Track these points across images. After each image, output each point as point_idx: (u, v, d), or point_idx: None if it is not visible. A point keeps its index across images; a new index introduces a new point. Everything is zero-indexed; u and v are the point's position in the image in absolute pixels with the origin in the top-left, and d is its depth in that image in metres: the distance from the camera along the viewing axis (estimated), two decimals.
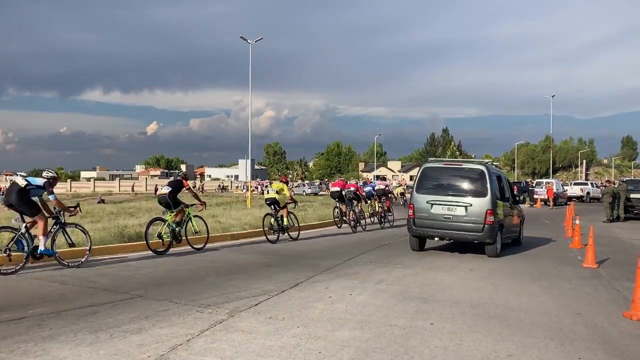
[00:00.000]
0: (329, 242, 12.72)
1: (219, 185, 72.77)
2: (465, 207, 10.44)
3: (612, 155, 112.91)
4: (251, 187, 36.90)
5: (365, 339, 4.84)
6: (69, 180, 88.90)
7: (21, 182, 8.18)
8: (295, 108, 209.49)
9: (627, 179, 30.25)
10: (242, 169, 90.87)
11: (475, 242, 10.62)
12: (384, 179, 24.73)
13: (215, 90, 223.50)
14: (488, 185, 10.47)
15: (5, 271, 7.66)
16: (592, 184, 44.61)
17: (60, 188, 79.50)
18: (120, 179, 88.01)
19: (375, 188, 18.96)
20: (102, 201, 39.84)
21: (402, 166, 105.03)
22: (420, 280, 7.84)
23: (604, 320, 5.75)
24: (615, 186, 21.50)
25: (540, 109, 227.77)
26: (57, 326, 5.08)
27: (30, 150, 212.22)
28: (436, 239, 10.99)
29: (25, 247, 8.04)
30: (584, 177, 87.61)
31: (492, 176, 10.81)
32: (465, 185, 10.71)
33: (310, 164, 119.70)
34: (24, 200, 8.12)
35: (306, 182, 72.44)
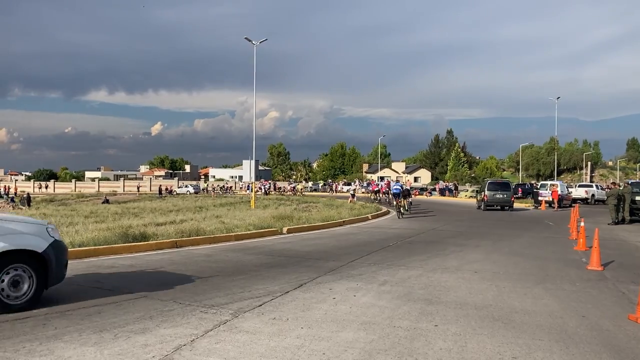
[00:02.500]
0: (332, 243, 12.71)
1: (223, 186, 72.86)
2: (504, 195, 29.51)
3: (617, 157, 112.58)
4: (255, 187, 36.88)
5: (369, 341, 4.84)
6: (73, 180, 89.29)
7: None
8: (300, 109, 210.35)
9: (632, 181, 30.07)
10: (246, 169, 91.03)
11: (507, 207, 29.69)
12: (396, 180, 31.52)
13: (219, 91, 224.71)
14: (511, 188, 31.38)
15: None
16: (597, 186, 44.41)
17: (65, 188, 79.97)
18: (124, 179, 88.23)
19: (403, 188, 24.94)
20: (107, 201, 39.94)
21: (406, 167, 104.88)
22: (424, 281, 7.83)
23: (609, 323, 5.72)
24: (621, 188, 21.39)
25: (545, 110, 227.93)
26: (62, 326, 5.10)
27: (35, 150, 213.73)
28: (495, 206, 29.88)
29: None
30: (588, 179, 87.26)
31: (512, 184, 34.33)
32: (504, 187, 30.57)
33: (314, 165, 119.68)
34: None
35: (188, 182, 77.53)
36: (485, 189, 29.89)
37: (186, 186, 73.93)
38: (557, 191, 32.38)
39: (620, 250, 12.26)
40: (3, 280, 5.50)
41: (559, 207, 31.96)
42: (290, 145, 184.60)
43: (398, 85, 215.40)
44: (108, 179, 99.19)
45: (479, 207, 30.82)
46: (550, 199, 32.45)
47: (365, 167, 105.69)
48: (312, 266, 9.07)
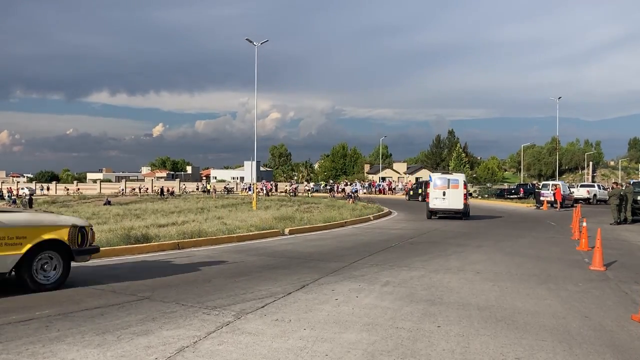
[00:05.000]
0: (334, 244, 12.70)
1: (225, 187, 72.85)
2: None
3: (619, 157, 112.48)
4: (256, 188, 36.89)
5: (372, 342, 4.83)
6: (75, 182, 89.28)
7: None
8: (301, 110, 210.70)
9: (634, 181, 30.01)
10: (248, 170, 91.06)
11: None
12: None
13: (221, 92, 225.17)
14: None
15: None
16: (598, 186, 44.31)
17: (66, 190, 79.89)
18: (126, 181, 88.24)
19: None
20: (109, 203, 39.96)
21: (407, 168, 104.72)
22: (426, 282, 7.82)
23: (612, 323, 5.71)
24: (623, 188, 21.34)
25: (546, 110, 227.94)
26: (65, 328, 5.10)
27: (36, 152, 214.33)
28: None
29: None
30: (590, 179, 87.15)
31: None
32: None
33: (316, 166, 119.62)
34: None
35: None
36: (424, 187, 41.77)
37: (22, 189, 72.07)
38: (561, 190, 32.30)
39: (622, 251, 12.23)
40: None
41: (561, 207, 31.92)
42: (291, 146, 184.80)
43: (399, 86, 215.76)
44: (110, 181, 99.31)
45: (409, 199, 42.54)
46: (553, 199, 32.40)
47: (367, 167, 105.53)
48: (314, 267, 9.07)
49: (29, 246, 6.76)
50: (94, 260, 9.52)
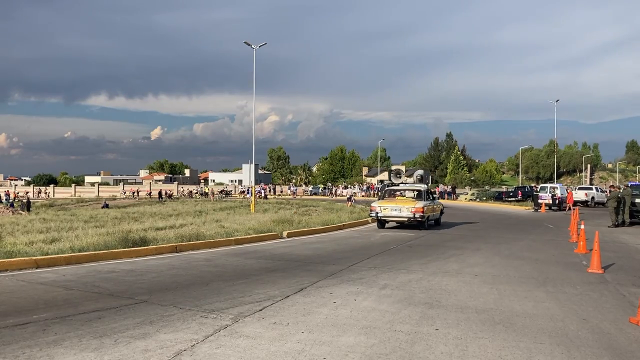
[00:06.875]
0: (333, 247, 12.69)
1: (222, 190, 72.77)
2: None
3: (617, 159, 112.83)
4: (254, 191, 36.87)
5: (370, 345, 4.82)
6: (73, 185, 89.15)
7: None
8: (299, 113, 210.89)
9: (632, 183, 30.06)
10: (246, 173, 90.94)
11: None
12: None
13: (219, 95, 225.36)
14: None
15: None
16: (596, 188, 44.35)
17: (64, 193, 79.85)
18: (124, 184, 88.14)
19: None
20: (106, 206, 39.89)
21: (406, 171, 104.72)
22: (424, 285, 7.82)
23: (610, 326, 5.71)
24: (621, 191, 21.37)
25: (544, 113, 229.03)
26: (62, 331, 5.09)
27: (34, 155, 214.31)
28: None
29: None
30: (588, 182, 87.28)
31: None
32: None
33: (314, 169, 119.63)
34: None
35: None
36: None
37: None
38: (572, 194, 32.47)
39: (620, 253, 12.24)
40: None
41: (559, 209, 31.96)
42: (290, 149, 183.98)
43: (398, 89, 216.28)
44: (108, 184, 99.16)
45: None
46: (550, 202, 32.46)
47: (365, 170, 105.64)
48: (312, 270, 9.06)
49: (439, 211, 19.74)
50: (92, 263, 9.52)
